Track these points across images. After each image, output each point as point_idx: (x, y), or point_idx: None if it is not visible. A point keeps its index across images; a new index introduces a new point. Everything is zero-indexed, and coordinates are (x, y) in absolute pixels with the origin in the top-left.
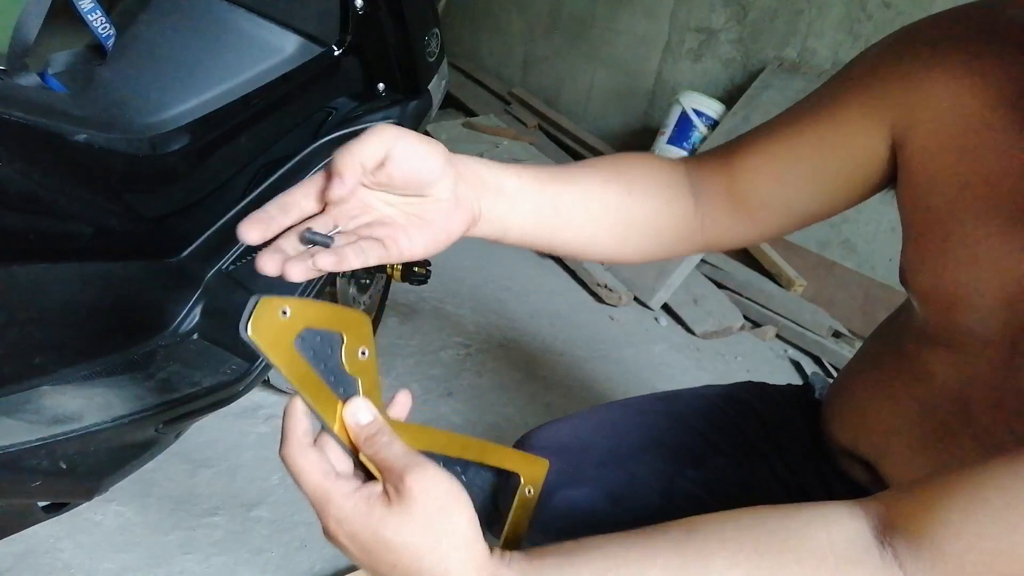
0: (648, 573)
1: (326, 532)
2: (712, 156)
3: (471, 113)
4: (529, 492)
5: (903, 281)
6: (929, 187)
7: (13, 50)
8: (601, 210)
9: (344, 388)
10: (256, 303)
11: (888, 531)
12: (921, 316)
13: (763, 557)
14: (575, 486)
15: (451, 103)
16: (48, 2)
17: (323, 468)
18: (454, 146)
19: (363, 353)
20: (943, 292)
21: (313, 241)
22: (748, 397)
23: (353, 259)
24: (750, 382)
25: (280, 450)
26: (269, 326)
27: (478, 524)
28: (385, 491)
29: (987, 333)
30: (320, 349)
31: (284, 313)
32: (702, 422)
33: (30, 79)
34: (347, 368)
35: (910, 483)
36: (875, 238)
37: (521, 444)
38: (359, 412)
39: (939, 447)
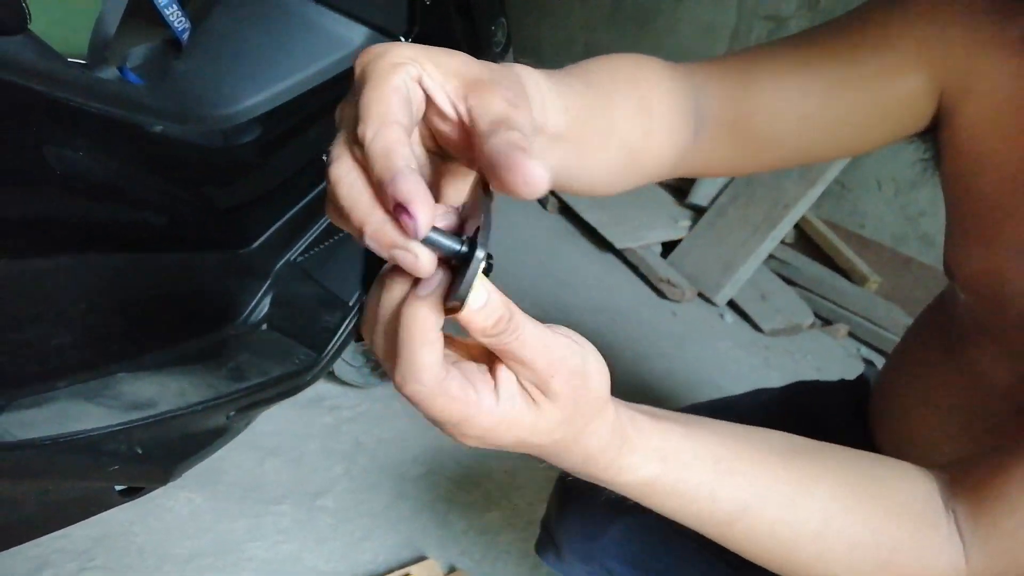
0: (758, 473)
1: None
2: (721, 75)
3: None
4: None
5: (947, 269)
6: (977, 169)
7: (94, 44)
8: (627, 149)
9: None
10: None
11: (952, 499)
12: (968, 308)
13: (858, 498)
14: None
15: None
16: None
17: (457, 384)
18: None
19: None
20: (991, 283)
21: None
22: (804, 401)
23: None
24: (804, 382)
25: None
26: None
27: (607, 380)
28: (523, 387)
29: None
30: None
31: None
32: None
33: (109, 72)
34: None
35: (975, 455)
36: None
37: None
38: (483, 302)
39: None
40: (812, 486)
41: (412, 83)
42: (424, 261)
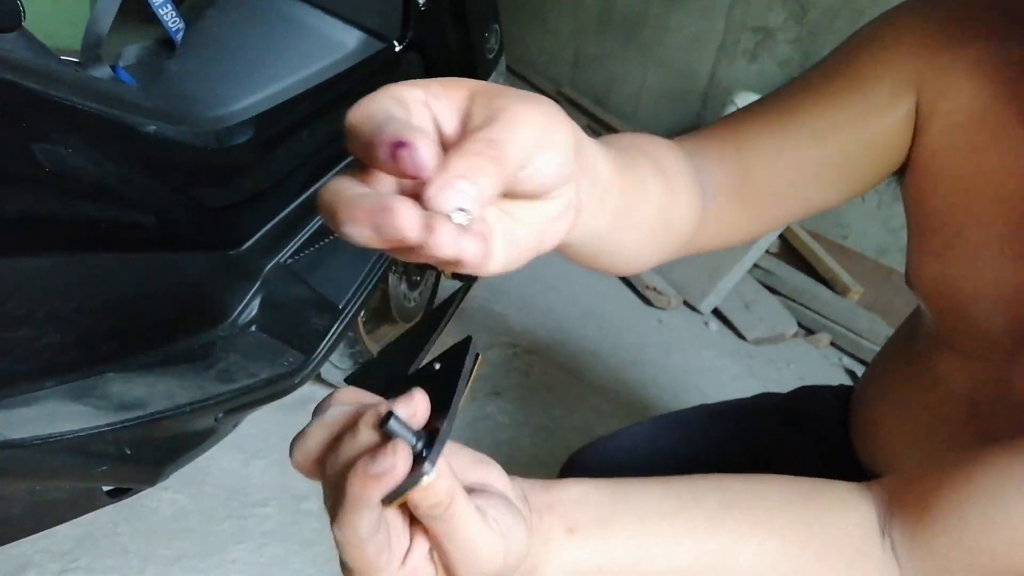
0: (679, 554)
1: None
2: (714, 140)
3: None
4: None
5: (907, 280)
6: (934, 184)
7: (87, 42)
8: (657, 214)
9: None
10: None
11: (888, 519)
12: (929, 318)
13: (787, 547)
14: None
15: None
16: None
17: (375, 548)
18: None
19: None
20: (945, 294)
21: None
22: (804, 407)
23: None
24: (809, 387)
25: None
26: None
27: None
28: (432, 558)
29: (993, 335)
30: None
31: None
32: (756, 442)
33: (103, 71)
34: None
35: (910, 470)
36: None
37: (568, 466)
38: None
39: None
40: (740, 547)
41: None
42: (400, 460)
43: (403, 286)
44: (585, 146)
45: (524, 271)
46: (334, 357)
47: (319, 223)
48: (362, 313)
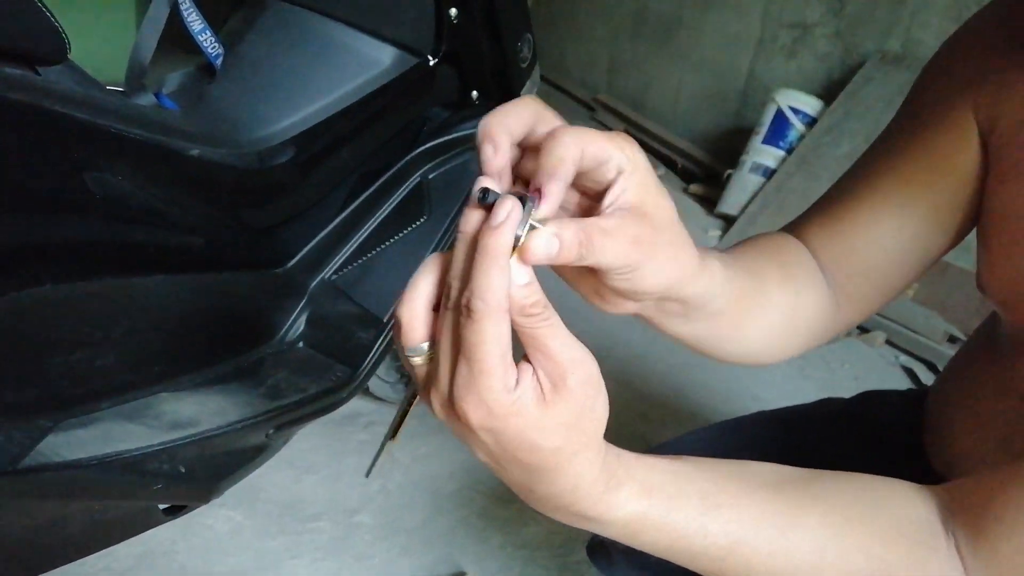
0: (746, 507)
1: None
2: (820, 228)
3: None
4: None
5: (978, 285)
6: (1001, 181)
7: (131, 72)
8: (780, 317)
9: None
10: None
11: (952, 520)
12: (1005, 321)
13: (850, 523)
14: None
15: None
16: (162, 26)
17: (500, 349)
18: None
19: None
20: (1017, 299)
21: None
22: (869, 412)
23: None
24: (872, 392)
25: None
26: None
27: (606, 418)
28: (537, 379)
29: None
30: None
31: None
32: (819, 450)
33: (147, 99)
34: None
35: (976, 475)
36: None
37: None
38: (519, 271)
39: None
40: (803, 516)
41: (611, 161)
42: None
43: None
44: (705, 268)
45: (562, 285)
46: (380, 370)
47: (362, 238)
48: None
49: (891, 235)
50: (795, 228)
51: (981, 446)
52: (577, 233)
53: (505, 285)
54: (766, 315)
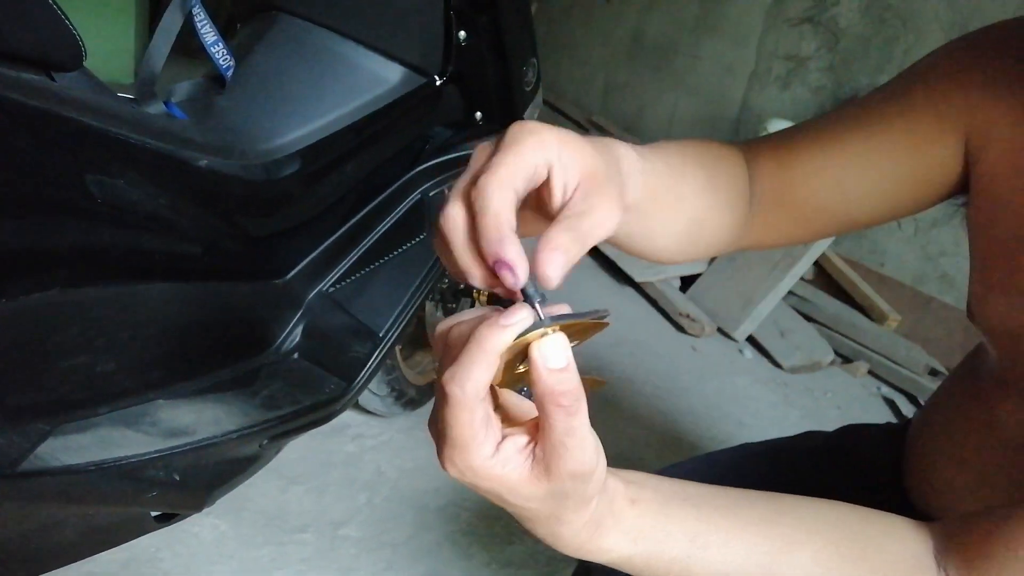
0: (734, 546)
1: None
2: (766, 153)
3: None
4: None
5: (969, 314)
6: (996, 213)
7: (142, 80)
8: (689, 224)
9: None
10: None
11: (944, 556)
12: (993, 358)
13: (844, 560)
14: None
15: None
16: (174, 35)
17: (479, 419)
18: None
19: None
20: (1009, 330)
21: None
22: (850, 445)
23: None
24: (853, 426)
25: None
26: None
27: (603, 475)
28: (532, 452)
29: None
30: None
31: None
32: (801, 484)
33: (157, 107)
34: None
35: (970, 515)
36: None
37: None
38: (556, 354)
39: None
40: (794, 551)
41: (542, 166)
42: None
43: (439, 313)
44: (628, 176)
45: (555, 298)
46: (372, 384)
47: (360, 252)
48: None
49: (831, 186)
50: (749, 146)
51: (964, 481)
52: (575, 243)
53: (487, 380)
54: (676, 218)
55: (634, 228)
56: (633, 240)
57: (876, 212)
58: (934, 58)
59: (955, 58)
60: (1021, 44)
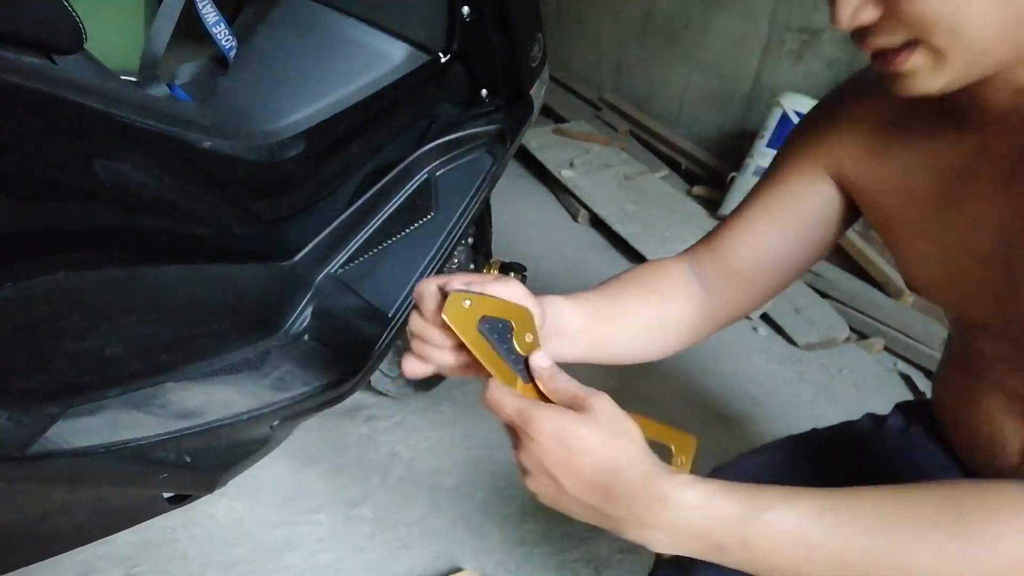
0: (861, 519)
1: (523, 455)
2: (700, 246)
3: (561, 119)
4: (680, 463)
5: (910, 288)
6: (866, 208)
7: (145, 62)
8: (643, 327)
9: (517, 363)
10: (448, 295)
11: None
12: (950, 319)
13: (962, 525)
14: None
15: (541, 110)
16: (176, 17)
17: (524, 401)
18: (544, 153)
19: (528, 337)
20: (937, 291)
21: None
22: (909, 424)
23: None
24: (908, 403)
25: (485, 394)
26: (457, 313)
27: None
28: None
29: (982, 321)
30: (498, 333)
31: (466, 303)
32: (864, 469)
33: (160, 89)
34: (518, 349)
35: None
36: None
37: None
38: (543, 359)
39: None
40: (905, 522)
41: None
42: None
43: None
44: (553, 303)
45: (567, 279)
46: (383, 365)
47: (368, 233)
48: None
49: (753, 252)
50: (685, 253)
51: (981, 419)
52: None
53: (518, 399)
54: (631, 323)
55: (595, 343)
56: (601, 353)
57: (800, 259)
58: (791, 132)
59: (802, 128)
60: (873, 91)
